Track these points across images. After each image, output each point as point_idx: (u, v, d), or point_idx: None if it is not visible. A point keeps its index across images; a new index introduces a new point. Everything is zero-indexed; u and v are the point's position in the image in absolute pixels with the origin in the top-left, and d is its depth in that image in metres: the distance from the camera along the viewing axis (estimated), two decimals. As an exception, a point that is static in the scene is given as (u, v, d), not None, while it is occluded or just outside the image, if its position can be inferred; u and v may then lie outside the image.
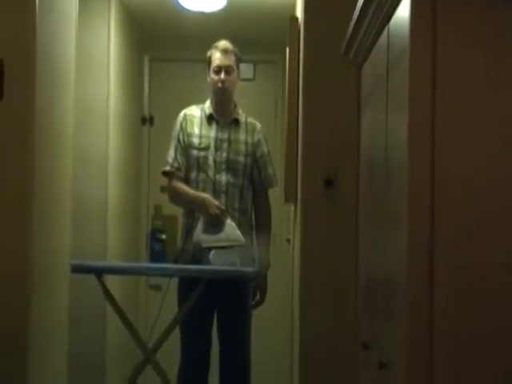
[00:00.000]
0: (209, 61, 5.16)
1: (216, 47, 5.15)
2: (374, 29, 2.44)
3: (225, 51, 5.13)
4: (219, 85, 5.12)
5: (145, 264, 5.77)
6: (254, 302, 5.19)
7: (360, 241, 2.86)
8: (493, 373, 1.86)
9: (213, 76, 5.14)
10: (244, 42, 5.47)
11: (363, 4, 2.44)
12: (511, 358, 1.87)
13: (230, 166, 5.10)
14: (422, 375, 1.83)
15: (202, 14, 5.79)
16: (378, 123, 2.43)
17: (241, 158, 5.12)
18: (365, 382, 2.65)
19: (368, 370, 2.51)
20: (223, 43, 5.16)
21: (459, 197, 1.85)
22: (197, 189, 5.08)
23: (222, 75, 5.12)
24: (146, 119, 6.85)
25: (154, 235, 5.48)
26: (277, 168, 5.20)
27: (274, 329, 6.04)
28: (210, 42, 5.24)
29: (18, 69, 3.61)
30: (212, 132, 5.14)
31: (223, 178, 5.09)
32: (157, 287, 5.82)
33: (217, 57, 5.13)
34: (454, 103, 1.85)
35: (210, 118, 5.16)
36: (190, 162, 5.12)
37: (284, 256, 5.51)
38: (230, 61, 5.14)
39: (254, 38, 6.07)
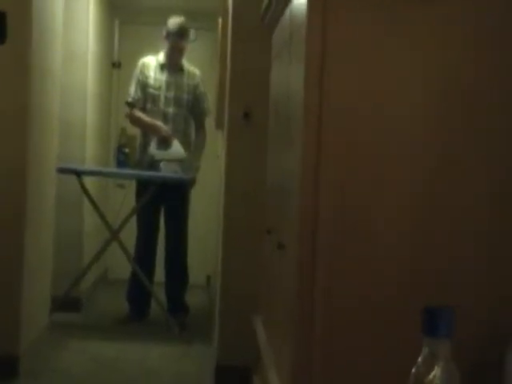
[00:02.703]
0: (167, 33, 4.98)
1: (175, 32, 4.93)
2: (281, 5, 2.40)
3: (181, 35, 4.98)
4: (175, 53, 5.00)
5: (113, 169, 5.72)
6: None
7: (268, 156, 2.85)
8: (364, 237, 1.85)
9: (171, 45, 4.99)
10: (190, 13, 5.38)
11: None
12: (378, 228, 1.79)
13: (176, 102, 5.05)
14: (307, 253, 1.82)
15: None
16: (283, 73, 2.41)
17: (184, 96, 5.07)
18: (268, 257, 2.67)
19: (270, 249, 2.53)
20: (181, 28, 4.96)
21: (338, 118, 1.82)
22: (152, 117, 5.03)
23: (178, 48, 5.00)
24: (116, 64, 6.71)
25: (119, 149, 5.41)
26: (211, 103, 5.16)
27: (207, 214, 6.09)
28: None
29: (18, 19, 3.49)
30: (164, 76, 5.06)
31: (171, 110, 5.04)
32: (121, 186, 5.77)
33: (174, 40, 4.96)
34: (338, 60, 1.83)
35: (162, 66, 5.07)
36: (147, 98, 5.05)
37: (215, 167, 5.50)
38: (184, 42, 5.02)
39: (197, 10, 5.99)
